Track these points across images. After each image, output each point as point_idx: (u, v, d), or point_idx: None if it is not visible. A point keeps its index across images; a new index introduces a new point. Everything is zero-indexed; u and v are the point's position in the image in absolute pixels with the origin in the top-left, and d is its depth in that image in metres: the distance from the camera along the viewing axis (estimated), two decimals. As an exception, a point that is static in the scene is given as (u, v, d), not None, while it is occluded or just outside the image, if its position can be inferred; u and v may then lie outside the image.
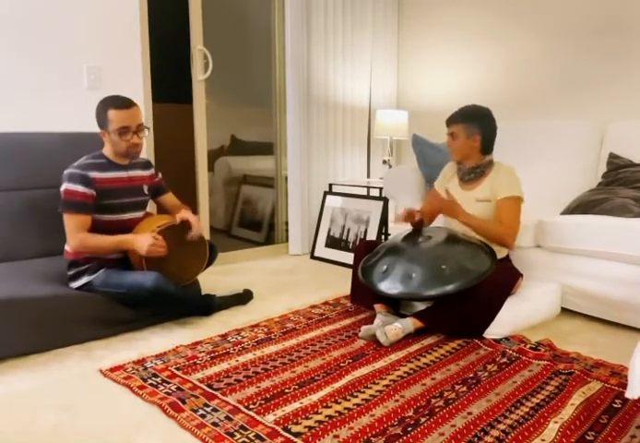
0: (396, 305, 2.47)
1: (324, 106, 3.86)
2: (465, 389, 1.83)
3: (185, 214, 2.41)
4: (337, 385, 1.84)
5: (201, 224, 2.45)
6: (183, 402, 1.71)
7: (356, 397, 1.76)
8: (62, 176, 2.24)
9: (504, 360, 2.05)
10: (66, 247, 2.31)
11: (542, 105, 3.53)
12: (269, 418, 1.63)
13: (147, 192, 2.47)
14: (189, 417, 1.63)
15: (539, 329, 2.40)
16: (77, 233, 2.21)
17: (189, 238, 2.40)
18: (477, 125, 2.40)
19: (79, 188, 2.21)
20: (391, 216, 3.60)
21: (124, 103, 2.25)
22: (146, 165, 2.49)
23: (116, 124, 2.24)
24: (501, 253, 2.43)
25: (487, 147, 2.44)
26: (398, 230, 2.68)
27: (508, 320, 2.29)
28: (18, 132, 2.60)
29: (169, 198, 2.59)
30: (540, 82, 3.53)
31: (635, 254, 2.29)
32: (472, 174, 2.46)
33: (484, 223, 2.38)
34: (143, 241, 2.22)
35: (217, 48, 3.46)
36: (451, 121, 2.46)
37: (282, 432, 1.55)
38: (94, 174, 2.25)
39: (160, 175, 2.57)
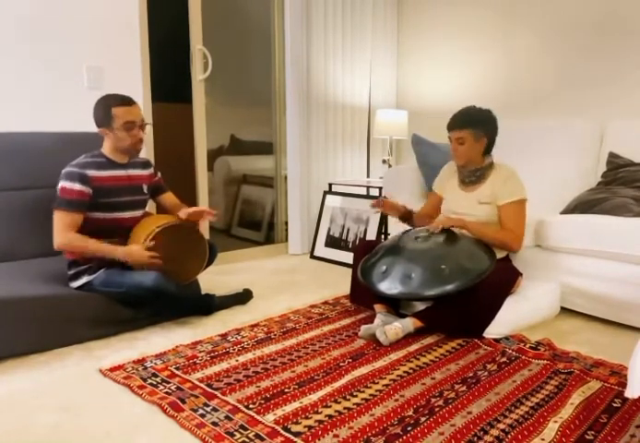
0: (396, 305, 2.47)
1: (324, 106, 3.86)
2: (464, 388, 1.83)
3: (188, 209, 2.42)
4: (336, 384, 1.84)
5: (203, 208, 2.48)
6: (183, 402, 1.71)
7: (356, 396, 1.76)
8: (60, 175, 2.24)
9: (504, 359, 2.06)
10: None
11: (542, 104, 3.53)
12: (269, 418, 1.63)
13: (146, 191, 2.47)
14: (189, 417, 1.63)
15: (538, 328, 2.40)
16: (65, 232, 2.20)
17: (211, 220, 2.50)
18: (484, 128, 2.39)
19: (76, 186, 2.21)
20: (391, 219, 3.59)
21: (127, 100, 2.29)
22: (145, 164, 2.49)
23: (122, 119, 2.26)
24: (500, 252, 2.43)
25: (490, 148, 2.45)
26: (398, 230, 2.67)
27: (508, 320, 2.29)
28: (18, 132, 2.60)
29: (168, 198, 2.59)
30: (540, 81, 3.53)
31: (635, 254, 2.30)
32: (473, 177, 2.46)
33: (492, 233, 2.38)
34: (137, 255, 2.22)
35: (216, 48, 3.46)
36: (457, 126, 2.40)
37: (282, 431, 1.56)
38: (92, 173, 2.25)
39: (159, 175, 2.57)
